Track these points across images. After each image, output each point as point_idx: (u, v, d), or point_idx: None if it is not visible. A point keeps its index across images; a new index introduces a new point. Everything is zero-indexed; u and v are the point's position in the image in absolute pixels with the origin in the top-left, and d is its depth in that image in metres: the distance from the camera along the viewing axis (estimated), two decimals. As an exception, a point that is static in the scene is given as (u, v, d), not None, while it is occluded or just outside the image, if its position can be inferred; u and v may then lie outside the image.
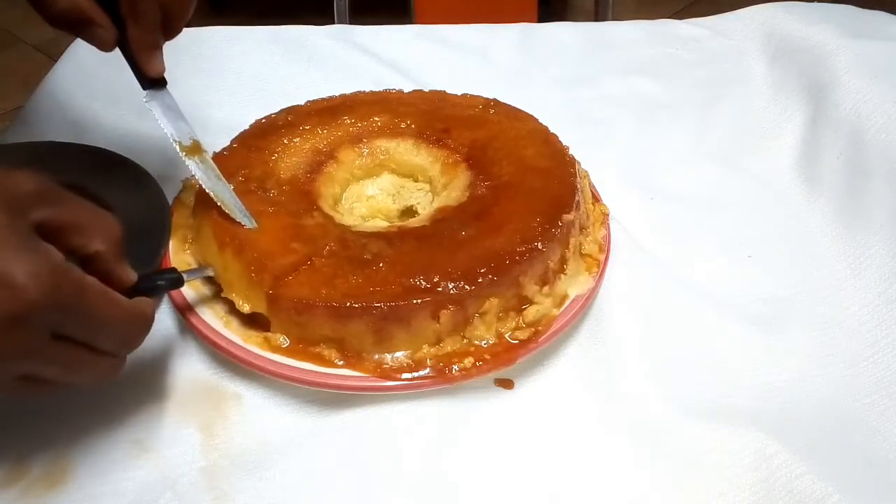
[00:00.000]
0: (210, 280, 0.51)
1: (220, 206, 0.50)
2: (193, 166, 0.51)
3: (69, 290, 0.34)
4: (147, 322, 0.40)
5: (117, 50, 0.50)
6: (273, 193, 0.53)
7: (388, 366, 0.45)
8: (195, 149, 0.51)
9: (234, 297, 0.47)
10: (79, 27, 0.47)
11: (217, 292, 0.50)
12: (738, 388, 0.48)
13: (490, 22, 0.87)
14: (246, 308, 0.46)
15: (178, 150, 0.50)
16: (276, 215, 0.51)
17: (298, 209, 0.53)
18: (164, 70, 0.50)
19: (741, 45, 0.81)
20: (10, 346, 0.33)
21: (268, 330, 0.47)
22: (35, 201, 0.35)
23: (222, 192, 0.50)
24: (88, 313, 0.35)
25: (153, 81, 0.50)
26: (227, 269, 0.48)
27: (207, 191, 0.50)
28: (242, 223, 0.49)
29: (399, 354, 0.46)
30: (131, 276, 0.40)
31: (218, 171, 0.51)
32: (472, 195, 0.54)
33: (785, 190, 0.65)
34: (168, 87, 0.51)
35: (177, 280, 0.45)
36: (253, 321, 0.48)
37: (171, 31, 0.49)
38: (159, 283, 0.44)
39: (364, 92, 0.66)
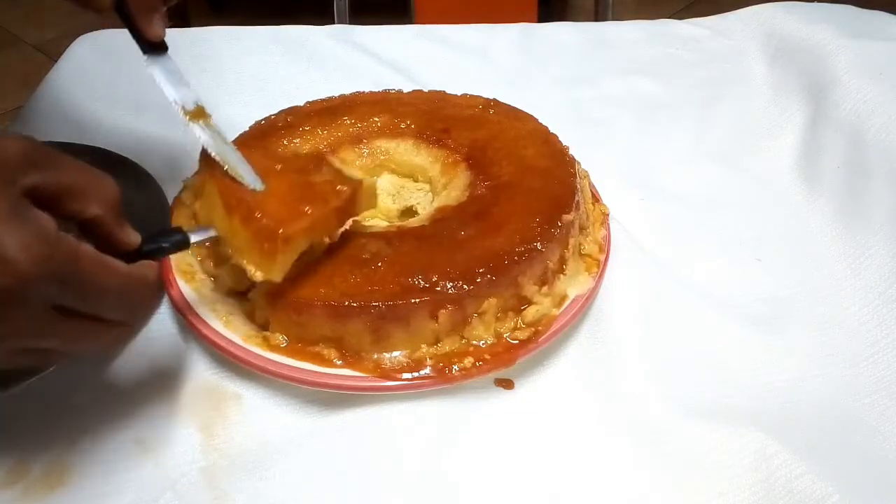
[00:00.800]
0: (211, 279, 0.51)
1: (226, 169, 0.48)
2: (198, 130, 0.49)
3: (63, 261, 0.33)
4: (150, 286, 0.38)
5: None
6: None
7: (386, 365, 0.45)
8: (199, 113, 0.49)
9: (245, 264, 0.45)
10: None
11: (218, 290, 0.50)
12: (738, 388, 0.48)
13: (490, 22, 0.87)
14: (258, 277, 0.45)
15: (182, 114, 0.49)
16: (284, 174, 0.49)
17: (307, 165, 0.51)
18: (164, 34, 0.48)
19: (741, 45, 0.81)
20: (7, 322, 0.32)
21: (267, 329, 0.47)
22: (25, 166, 0.33)
23: (229, 155, 0.48)
24: (85, 283, 0.34)
25: (154, 46, 0.48)
26: (236, 235, 0.46)
27: (213, 155, 0.48)
28: (250, 185, 0.47)
29: (397, 354, 0.46)
30: (133, 238, 0.38)
31: (224, 135, 0.50)
32: (472, 195, 0.54)
33: (785, 190, 0.65)
34: None
35: (182, 241, 0.42)
36: (252, 318, 0.48)
37: None
38: (164, 245, 0.41)
39: (364, 92, 0.66)
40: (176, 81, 0.49)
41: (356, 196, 0.49)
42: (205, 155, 0.49)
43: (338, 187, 0.48)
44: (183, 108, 0.49)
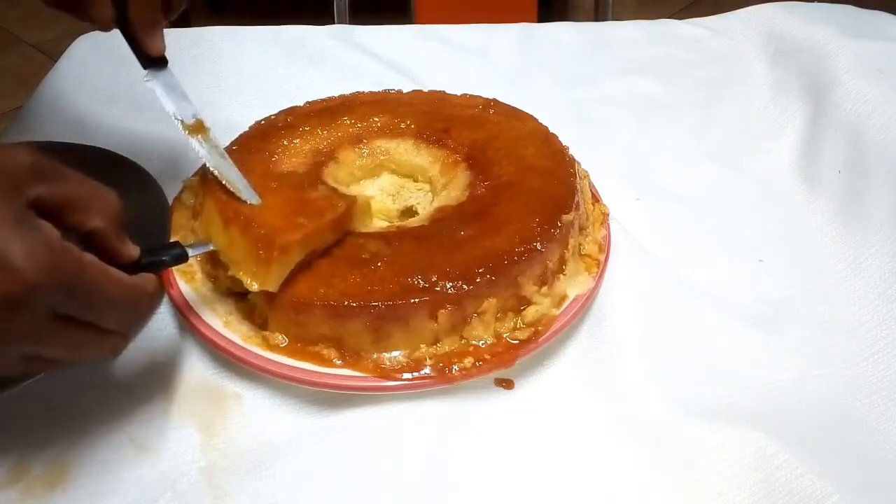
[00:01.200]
0: (210, 279, 0.51)
1: (223, 184, 0.49)
2: (197, 144, 0.50)
3: (67, 269, 0.33)
4: (149, 298, 0.39)
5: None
6: (275, 185, 0.53)
7: (386, 365, 0.45)
8: (198, 127, 0.50)
9: (241, 275, 0.46)
10: (76, 6, 0.45)
11: (217, 290, 0.50)
12: (738, 388, 0.48)
13: (490, 22, 0.87)
14: (254, 287, 0.45)
15: (181, 128, 0.50)
16: (280, 190, 0.51)
17: (302, 183, 0.52)
18: (164, 49, 0.49)
19: (741, 45, 0.81)
20: (10, 329, 0.33)
21: (267, 329, 0.47)
22: (31, 177, 0.34)
23: (226, 169, 0.50)
24: (88, 292, 0.35)
25: (154, 60, 0.49)
26: (233, 246, 0.47)
27: (211, 168, 0.50)
28: (247, 199, 0.49)
29: (397, 354, 0.46)
30: (133, 251, 0.39)
31: (222, 149, 0.51)
32: (472, 195, 0.54)
33: (785, 190, 0.65)
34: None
35: (180, 255, 0.43)
36: (251, 318, 0.48)
37: (171, 10, 0.49)
38: (163, 258, 0.42)
39: (364, 92, 0.66)
40: (176, 96, 0.50)
41: (350, 212, 0.50)
42: (204, 171, 0.50)
43: (333, 202, 0.50)
44: (182, 122, 0.50)
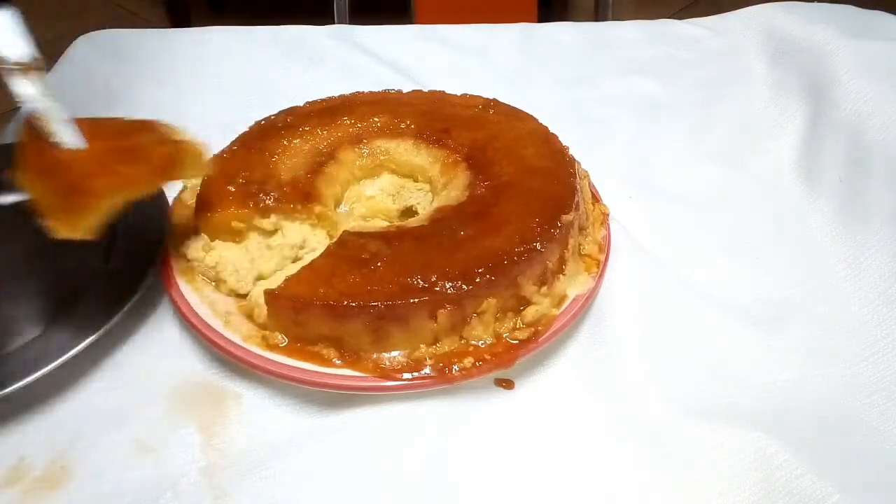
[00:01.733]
0: (209, 278, 0.51)
1: (46, 130, 0.45)
2: (25, 86, 0.45)
3: None
4: None
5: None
6: (273, 196, 0.53)
7: (386, 365, 0.45)
8: (31, 67, 0.45)
9: (52, 224, 0.44)
10: None
11: (218, 290, 0.50)
12: (738, 388, 0.48)
13: (490, 22, 0.87)
14: (64, 233, 0.43)
15: (9, 68, 0.44)
16: (106, 137, 0.47)
17: (132, 128, 0.49)
18: None
19: (741, 46, 0.81)
20: None
21: (267, 329, 0.47)
22: None
23: (53, 112, 0.45)
24: None
25: None
26: (46, 193, 0.44)
27: (36, 111, 0.45)
28: (69, 145, 0.45)
29: (396, 354, 0.46)
30: None
31: (53, 94, 0.46)
32: (472, 195, 0.54)
33: (785, 190, 0.65)
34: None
35: None
36: (251, 318, 0.48)
37: None
38: None
39: (364, 92, 0.66)
40: (14, 35, 0.45)
41: (175, 158, 0.48)
42: (26, 114, 0.46)
43: (158, 148, 0.48)
44: (15, 63, 0.45)
